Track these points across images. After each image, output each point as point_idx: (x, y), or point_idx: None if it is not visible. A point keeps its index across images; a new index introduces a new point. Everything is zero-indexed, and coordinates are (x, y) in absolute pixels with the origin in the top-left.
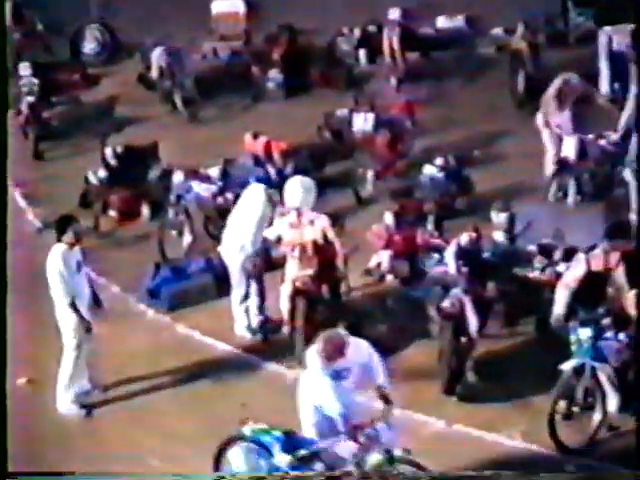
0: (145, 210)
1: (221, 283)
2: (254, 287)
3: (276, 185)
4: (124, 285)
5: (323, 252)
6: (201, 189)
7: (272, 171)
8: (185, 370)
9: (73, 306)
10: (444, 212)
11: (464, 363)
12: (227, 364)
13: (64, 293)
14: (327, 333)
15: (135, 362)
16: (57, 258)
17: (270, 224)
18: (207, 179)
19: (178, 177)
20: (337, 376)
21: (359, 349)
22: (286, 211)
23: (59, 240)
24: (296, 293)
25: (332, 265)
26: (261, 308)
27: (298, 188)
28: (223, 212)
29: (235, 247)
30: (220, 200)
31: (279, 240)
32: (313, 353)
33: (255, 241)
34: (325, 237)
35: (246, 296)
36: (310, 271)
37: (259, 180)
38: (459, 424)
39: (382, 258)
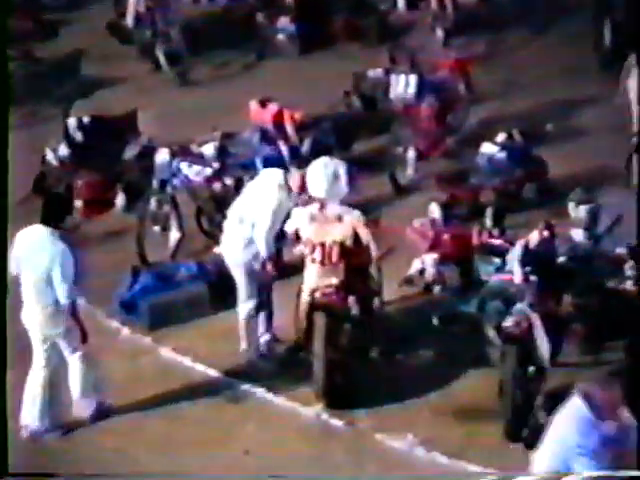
0: (120, 199)
1: (218, 293)
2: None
3: (290, 167)
4: (92, 295)
5: (352, 255)
6: (192, 172)
7: (284, 149)
8: (171, 407)
9: (74, 309)
10: (507, 203)
11: (532, 399)
12: (226, 399)
13: (67, 291)
14: (603, 378)
15: (105, 395)
16: (58, 241)
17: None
18: (200, 159)
19: (162, 156)
20: (603, 444)
21: None
22: (302, 201)
23: (48, 224)
24: (316, 307)
25: (363, 272)
26: (269, 325)
27: (324, 174)
28: (220, 202)
29: (239, 243)
30: (217, 186)
31: (297, 237)
32: (575, 411)
33: (267, 239)
34: (355, 237)
35: (259, 307)
36: (335, 280)
37: (267, 160)
38: (526, 478)
39: (426, 263)
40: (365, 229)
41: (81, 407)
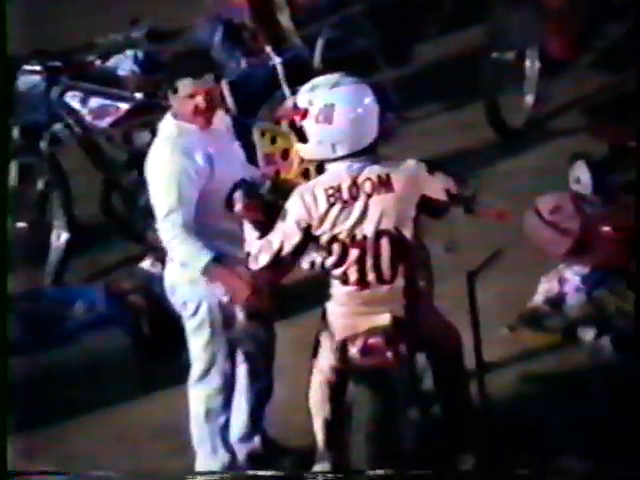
0: None
1: (153, 353)
2: (241, 366)
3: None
4: None
5: (415, 263)
6: (92, 109)
7: (276, 60)
8: None
9: None
10: None
11: None
12: None
13: None
14: None
15: None
16: None
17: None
18: (107, 83)
19: (29, 78)
20: None
21: None
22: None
23: None
24: (352, 376)
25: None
26: (258, 418)
27: (342, 105)
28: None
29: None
30: (143, 136)
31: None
32: None
33: (182, 242)
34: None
35: (228, 387)
36: (387, 317)
37: (241, 82)
38: None
39: (567, 283)
40: (441, 181)
41: None
